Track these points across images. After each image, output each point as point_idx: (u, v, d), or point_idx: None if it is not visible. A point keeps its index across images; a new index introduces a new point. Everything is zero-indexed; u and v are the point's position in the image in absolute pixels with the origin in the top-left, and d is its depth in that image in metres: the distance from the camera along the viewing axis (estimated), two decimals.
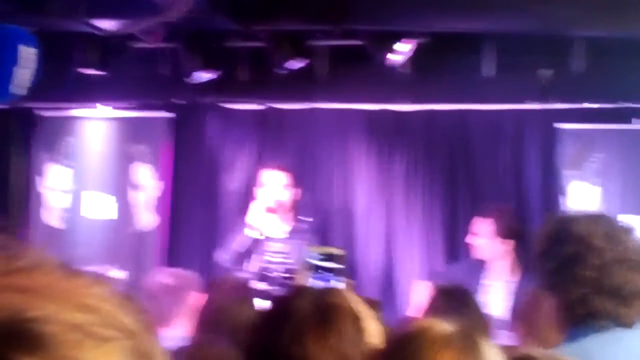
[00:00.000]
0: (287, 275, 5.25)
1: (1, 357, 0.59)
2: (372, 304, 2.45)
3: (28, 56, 1.25)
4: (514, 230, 5.25)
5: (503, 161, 6.00)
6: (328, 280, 2.90)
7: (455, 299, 3.43)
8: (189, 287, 3.62)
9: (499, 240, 5.22)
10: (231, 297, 3.30)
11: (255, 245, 5.42)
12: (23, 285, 0.63)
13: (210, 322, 3.23)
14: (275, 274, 5.31)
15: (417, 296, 5.16)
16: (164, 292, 3.60)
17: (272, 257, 5.39)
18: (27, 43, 1.26)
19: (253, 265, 5.38)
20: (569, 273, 2.20)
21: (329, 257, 3.00)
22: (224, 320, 3.15)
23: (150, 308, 3.60)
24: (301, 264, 4.05)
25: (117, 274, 6.19)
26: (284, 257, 5.38)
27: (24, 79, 1.23)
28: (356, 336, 1.93)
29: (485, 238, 5.25)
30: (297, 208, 5.72)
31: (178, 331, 3.51)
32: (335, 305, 2.03)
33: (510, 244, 5.23)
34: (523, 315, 3.44)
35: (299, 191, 5.69)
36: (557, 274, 2.24)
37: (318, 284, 2.84)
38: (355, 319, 1.98)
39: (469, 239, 5.38)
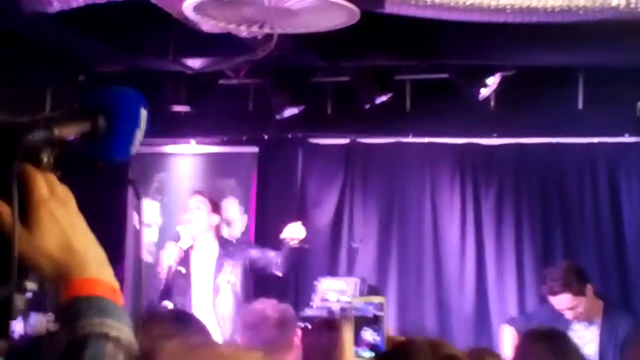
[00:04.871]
0: None
1: None
2: None
3: (144, 118, 1.30)
4: (582, 281, 4.93)
5: (599, 196, 5.88)
6: (374, 329, 2.91)
7: (555, 343, 3.38)
8: (289, 321, 3.56)
9: (578, 299, 5.01)
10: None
11: None
12: None
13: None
14: None
15: (506, 340, 5.07)
16: (264, 323, 3.54)
17: None
18: (144, 105, 1.32)
19: None
20: None
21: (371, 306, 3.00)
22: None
23: (249, 339, 3.57)
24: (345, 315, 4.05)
25: None
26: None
27: (139, 139, 1.29)
28: None
29: (568, 307, 4.94)
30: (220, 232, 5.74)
31: None
32: (455, 357, 2.04)
33: (586, 291, 5.03)
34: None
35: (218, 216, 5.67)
36: None
37: (365, 334, 2.85)
38: None
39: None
